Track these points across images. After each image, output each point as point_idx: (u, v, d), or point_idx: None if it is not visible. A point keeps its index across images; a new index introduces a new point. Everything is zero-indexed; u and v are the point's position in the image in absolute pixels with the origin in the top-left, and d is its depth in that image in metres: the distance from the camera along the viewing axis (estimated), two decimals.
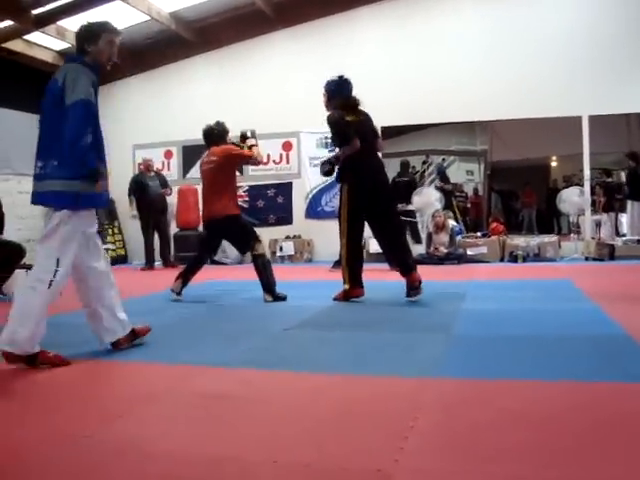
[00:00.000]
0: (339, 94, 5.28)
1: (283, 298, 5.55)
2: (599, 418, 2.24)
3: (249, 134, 5.93)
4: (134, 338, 3.67)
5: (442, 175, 14.37)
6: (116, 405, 2.56)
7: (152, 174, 10.46)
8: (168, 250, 10.43)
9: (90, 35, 3.44)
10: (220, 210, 5.63)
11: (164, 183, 10.42)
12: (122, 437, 2.17)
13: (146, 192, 10.11)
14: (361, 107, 5.37)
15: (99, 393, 2.77)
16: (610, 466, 1.82)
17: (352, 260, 5.36)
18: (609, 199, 11.05)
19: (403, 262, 5.32)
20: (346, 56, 10.76)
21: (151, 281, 8.40)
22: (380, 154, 5.70)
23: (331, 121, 5.29)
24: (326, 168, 5.39)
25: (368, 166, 5.25)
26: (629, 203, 10.66)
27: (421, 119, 11.12)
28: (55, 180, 3.23)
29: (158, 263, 10.42)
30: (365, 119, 5.36)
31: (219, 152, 5.82)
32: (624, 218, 11.21)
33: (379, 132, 5.48)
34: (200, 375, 3.03)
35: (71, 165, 3.18)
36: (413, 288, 5.15)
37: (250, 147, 5.82)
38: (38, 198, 3.35)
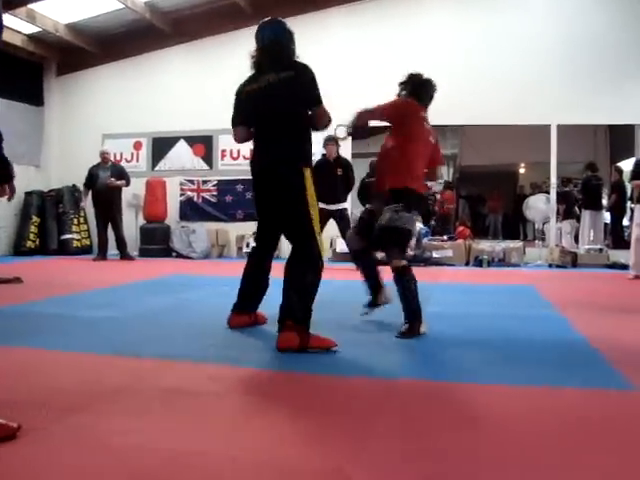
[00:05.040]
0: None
1: None
2: (560, 422, 2.27)
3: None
4: None
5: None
6: (78, 398, 2.51)
7: (108, 165, 10.31)
8: (121, 242, 10.27)
9: None
10: None
11: (117, 173, 10.20)
12: (80, 430, 2.13)
13: (95, 183, 10.07)
14: (294, 60, 3.77)
15: (60, 385, 2.71)
16: (569, 470, 1.85)
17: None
18: (568, 207, 11.24)
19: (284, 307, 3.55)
20: (318, 54, 10.75)
21: (112, 273, 8.30)
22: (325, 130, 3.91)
23: None
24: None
25: (259, 153, 3.86)
26: (583, 212, 10.95)
27: None
28: None
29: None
30: (269, 86, 3.69)
31: None
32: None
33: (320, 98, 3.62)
34: (165, 369, 3.00)
35: None
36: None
37: None
38: None
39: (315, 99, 3.65)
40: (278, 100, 3.67)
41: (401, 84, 4.30)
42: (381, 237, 4.01)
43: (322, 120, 3.69)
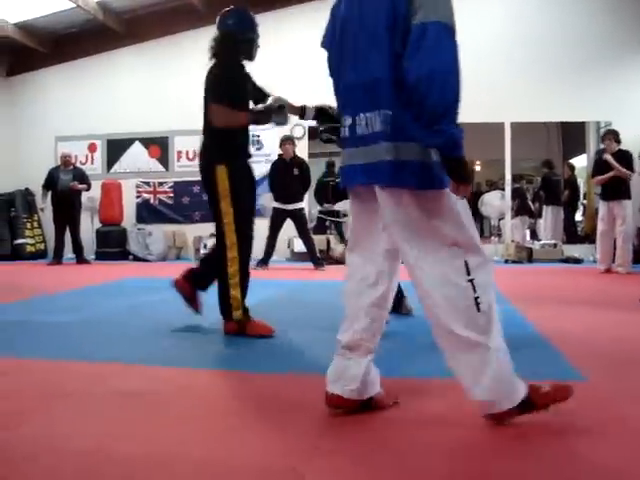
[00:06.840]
0: None
1: None
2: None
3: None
4: None
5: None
6: (29, 403, 2.46)
7: (69, 168, 10.15)
8: (78, 246, 10.13)
9: None
10: None
11: (80, 177, 10.08)
12: (34, 436, 2.09)
13: (56, 186, 9.92)
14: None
15: (10, 391, 2.65)
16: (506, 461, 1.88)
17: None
18: (520, 204, 11.47)
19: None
20: (274, 53, 10.71)
21: (67, 277, 8.17)
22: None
23: None
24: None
25: None
26: (544, 208, 11.21)
27: None
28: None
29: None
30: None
31: None
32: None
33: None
34: (116, 373, 2.95)
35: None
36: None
37: None
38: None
39: (211, 96, 3.71)
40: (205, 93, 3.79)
41: None
42: None
43: (215, 119, 3.68)
